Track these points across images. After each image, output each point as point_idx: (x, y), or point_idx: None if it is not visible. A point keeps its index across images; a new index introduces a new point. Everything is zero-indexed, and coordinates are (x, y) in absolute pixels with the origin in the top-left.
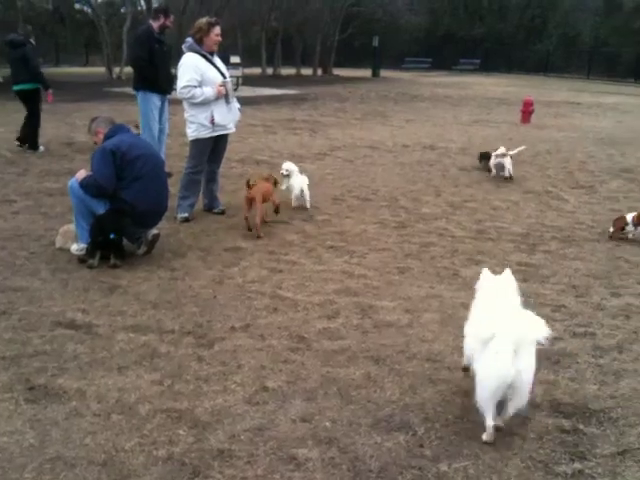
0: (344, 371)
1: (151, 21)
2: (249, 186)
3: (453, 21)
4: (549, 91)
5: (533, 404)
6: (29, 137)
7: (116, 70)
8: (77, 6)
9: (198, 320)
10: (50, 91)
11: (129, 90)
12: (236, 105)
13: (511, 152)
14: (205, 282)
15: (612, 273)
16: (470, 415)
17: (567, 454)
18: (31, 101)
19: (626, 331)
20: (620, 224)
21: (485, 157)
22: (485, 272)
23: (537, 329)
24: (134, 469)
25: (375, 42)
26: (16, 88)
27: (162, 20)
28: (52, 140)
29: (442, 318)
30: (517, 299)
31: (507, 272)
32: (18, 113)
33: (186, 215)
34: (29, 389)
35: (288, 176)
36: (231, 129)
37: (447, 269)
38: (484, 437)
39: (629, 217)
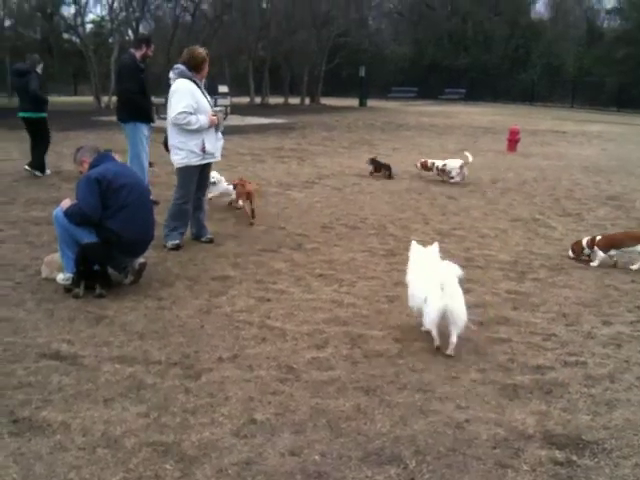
0: (334, 402)
1: (133, 50)
2: (242, 184)
3: (438, 51)
4: (534, 120)
5: (525, 435)
6: (36, 161)
7: (104, 99)
8: (65, 36)
9: (185, 351)
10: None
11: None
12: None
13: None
14: (192, 312)
15: (602, 301)
16: (462, 448)
17: None
18: (37, 128)
19: (617, 360)
20: (578, 248)
21: (379, 164)
22: (414, 244)
23: (452, 271)
24: None
25: (362, 72)
26: (21, 115)
27: (144, 49)
28: None
29: (432, 347)
30: (438, 258)
31: (435, 245)
32: (5, 142)
33: (177, 242)
34: (13, 422)
35: (214, 183)
36: (217, 157)
37: None
38: (435, 344)
39: (584, 241)
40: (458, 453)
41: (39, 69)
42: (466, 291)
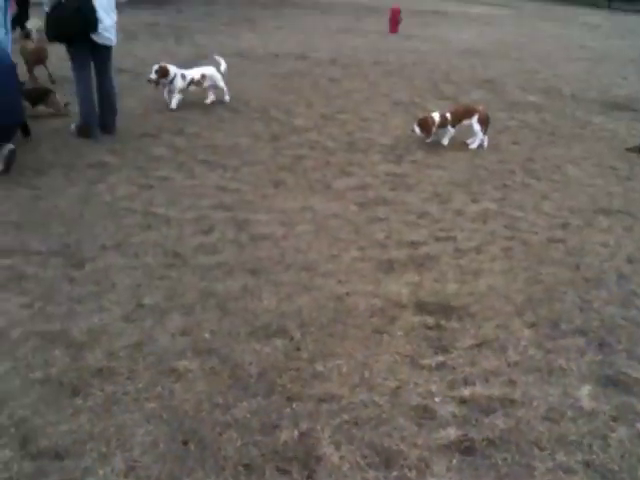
0: (222, 285)
1: None
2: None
3: None
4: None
5: (400, 304)
6: None
7: None
8: None
9: (66, 240)
10: None
11: None
12: None
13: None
14: (71, 201)
15: (472, 180)
16: (342, 318)
17: (431, 348)
18: None
19: (484, 234)
20: (428, 125)
21: None
22: None
23: None
24: (11, 393)
25: None
26: None
27: None
28: None
29: (316, 229)
30: None
31: None
32: None
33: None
34: None
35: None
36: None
37: (320, 181)
38: None
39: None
40: (339, 323)
41: None
42: (348, 174)
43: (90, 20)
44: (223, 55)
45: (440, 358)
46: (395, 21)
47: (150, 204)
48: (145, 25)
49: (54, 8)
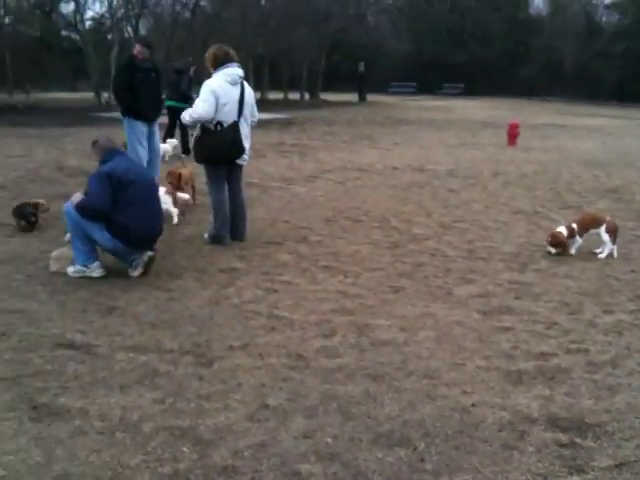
0: (343, 388)
1: (133, 49)
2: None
3: (436, 47)
4: (534, 114)
5: (530, 418)
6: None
7: (104, 96)
8: (64, 33)
9: (196, 340)
10: None
11: (117, 115)
12: None
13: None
14: (202, 302)
15: (603, 291)
16: (469, 430)
17: (565, 467)
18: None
19: (618, 347)
20: (561, 241)
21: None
22: None
23: None
24: None
25: (361, 67)
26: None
27: (139, 48)
28: (43, 165)
29: (437, 336)
30: None
31: None
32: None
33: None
34: (32, 408)
35: None
36: None
37: (440, 288)
38: None
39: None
40: (465, 435)
41: (191, 71)
42: (469, 282)
43: (240, 149)
44: (344, 169)
45: (575, 479)
46: (513, 134)
47: (275, 307)
48: (272, 144)
49: (205, 135)
